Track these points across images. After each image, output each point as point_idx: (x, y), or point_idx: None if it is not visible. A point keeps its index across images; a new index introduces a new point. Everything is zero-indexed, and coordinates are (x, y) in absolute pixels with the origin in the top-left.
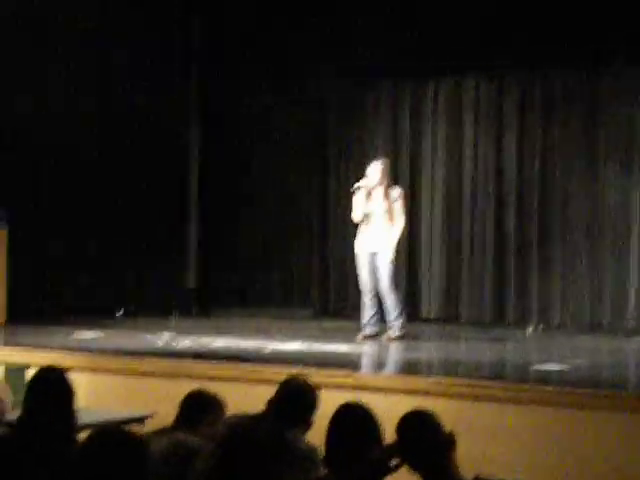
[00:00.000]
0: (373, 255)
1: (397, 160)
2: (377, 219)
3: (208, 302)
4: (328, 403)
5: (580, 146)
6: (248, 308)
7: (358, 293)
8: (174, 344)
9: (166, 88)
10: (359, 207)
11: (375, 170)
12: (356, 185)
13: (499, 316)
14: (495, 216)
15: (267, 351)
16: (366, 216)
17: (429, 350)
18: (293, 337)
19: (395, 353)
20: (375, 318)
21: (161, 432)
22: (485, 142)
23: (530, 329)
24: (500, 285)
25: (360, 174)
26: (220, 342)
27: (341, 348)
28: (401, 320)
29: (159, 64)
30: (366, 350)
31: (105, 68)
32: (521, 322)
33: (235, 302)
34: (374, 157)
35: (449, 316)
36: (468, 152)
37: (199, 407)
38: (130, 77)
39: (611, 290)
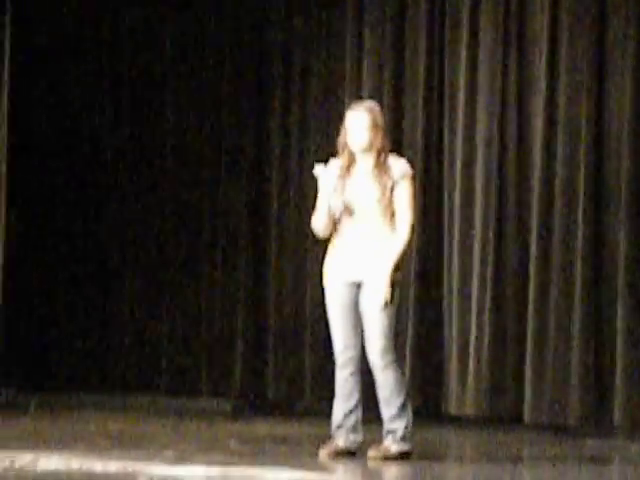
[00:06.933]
0: (355, 289)
1: (401, 110)
2: (363, 219)
3: (26, 380)
4: None
5: None
6: (105, 396)
7: (322, 368)
8: None
9: None
10: (326, 201)
11: (359, 122)
12: (318, 169)
13: (595, 416)
14: (592, 235)
15: None
16: (342, 216)
17: None
18: (194, 455)
19: None
20: (356, 415)
21: None
22: (574, 78)
23: None
24: (597, 360)
25: (326, 139)
26: (51, 462)
27: (287, 476)
28: (407, 419)
29: None
30: None
31: None
32: (639, 427)
33: (80, 383)
34: (351, 101)
35: (501, 414)
36: (538, 96)
37: None
38: None
39: None
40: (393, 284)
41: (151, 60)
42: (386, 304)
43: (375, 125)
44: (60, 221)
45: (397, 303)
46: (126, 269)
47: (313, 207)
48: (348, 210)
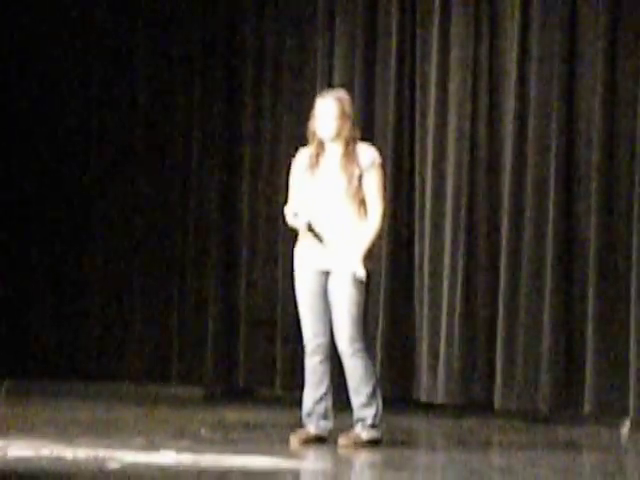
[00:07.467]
0: (324, 277)
1: (372, 98)
2: (331, 208)
3: None
4: None
5: None
6: (75, 383)
7: (293, 355)
8: None
9: None
10: (296, 191)
11: (327, 111)
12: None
13: (566, 403)
14: (563, 218)
15: (113, 466)
16: (310, 205)
17: (434, 472)
18: (164, 442)
19: (365, 478)
20: (326, 402)
21: None
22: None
23: (626, 427)
24: (567, 347)
25: (297, 127)
26: (21, 448)
27: (258, 463)
28: (376, 407)
29: None
30: (308, 469)
31: None
32: (609, 414)
33: (51, 370)
34: (324, 88)
35: (472, 401)
36: (509, 85)
37: None
38: None
39: None
40: (363, 273)
41: (122, 50)
42: (356, 292)
43: (343, 114)
44: (31, 216)
45: (365, 294)
46: (96, 255)
47: (285, 196)
48: (312, 204)
